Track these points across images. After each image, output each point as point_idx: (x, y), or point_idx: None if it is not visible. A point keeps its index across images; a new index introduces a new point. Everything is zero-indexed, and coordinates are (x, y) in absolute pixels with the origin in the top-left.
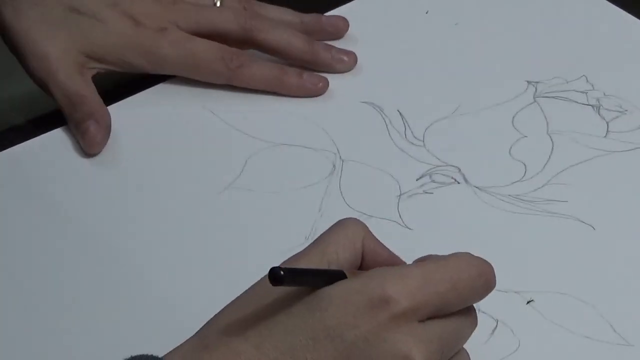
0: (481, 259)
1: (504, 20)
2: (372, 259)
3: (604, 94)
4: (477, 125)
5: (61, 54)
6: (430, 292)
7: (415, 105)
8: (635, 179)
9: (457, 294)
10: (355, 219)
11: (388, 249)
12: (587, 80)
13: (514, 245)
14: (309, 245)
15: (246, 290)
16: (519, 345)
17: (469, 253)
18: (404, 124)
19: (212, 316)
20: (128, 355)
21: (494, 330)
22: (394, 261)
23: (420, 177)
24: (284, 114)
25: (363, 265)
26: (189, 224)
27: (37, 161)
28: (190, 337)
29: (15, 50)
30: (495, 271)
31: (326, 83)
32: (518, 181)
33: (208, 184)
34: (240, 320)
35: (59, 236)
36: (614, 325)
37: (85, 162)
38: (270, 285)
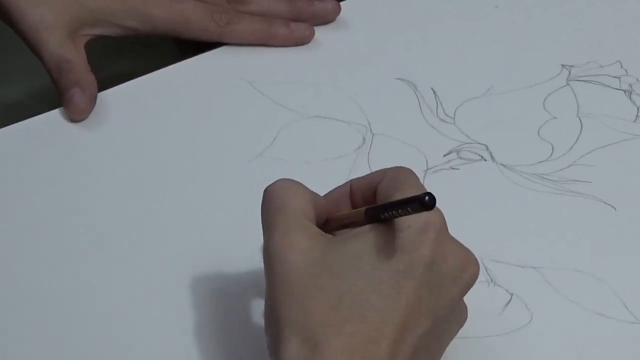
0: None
1: (543, 3)
2: (317, 206)
3: (637, 79)
4: (508, 106)
5: (55, 20)
6: None
7: (449, 84)
8: None
9: None
10: (286, 179)
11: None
12: (622, 66)
13: (535, 222)
14: (270, 218)
15: (283, 274)
16: (531, 319)
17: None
18: (436, 101)
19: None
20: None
21: (507, 303)
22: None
23: (448, 153)
24: (318, 86)
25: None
26: (219, 190)
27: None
28: (284, 345)
29: (7, 16)
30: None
31: (312, 31)
32: (544, 161)
33: (239, 152)
34: (327, 305)
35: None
36: (627, 303)
37: (115, 128)
38: (297, 266)
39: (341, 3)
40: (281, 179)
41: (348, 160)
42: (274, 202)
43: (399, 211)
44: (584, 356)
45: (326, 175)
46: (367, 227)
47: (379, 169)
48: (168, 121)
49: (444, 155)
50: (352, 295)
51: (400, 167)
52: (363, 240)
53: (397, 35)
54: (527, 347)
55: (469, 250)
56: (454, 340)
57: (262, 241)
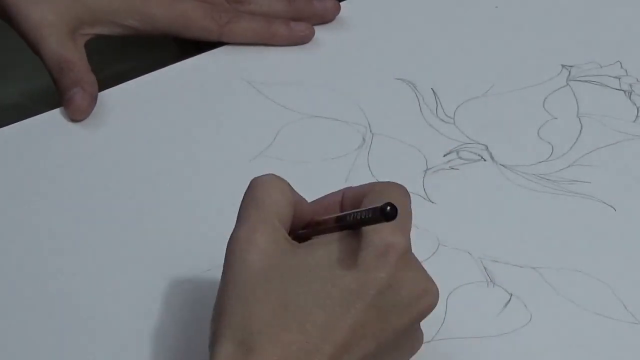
0: (395, 183)
1: (543, 4)
2: (299, 209)
3: (637, 79)
4: (508, 106)
5: (55, 18)
6: (408, 224)
7: (450, 84)
8: None
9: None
10: (274, 175)
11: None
12: (622, 66)
13: (534, 222)
14: (245, 209)
15: (238, 272)
16: (530, 319)
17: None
18: (436, 101)
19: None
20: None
21: (507, 304)
22: (316, 211)
23: (448, 153)
24: (319, 87)
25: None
26: (219, 190)
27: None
28: (220, 345)
29: (7, 15)
30: (512, 246)
31: (312, 30)
32: (544, 161)
33: (239, 152)
34: (269, 311)
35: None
36: (626, 303)
37: (115, 128)
38: (257, 270)
39: (341, 3)
40: (270, 173)
41: (348, 160)
42: (252, 194)
43: (360, 215)
44: (583, 356)
45: (326, 175)
46: (328, 238)
47: (378, 169)
48: (168, 121)
49: (444, 155)
50: (296, 306)
51: (391, 182)
52: (323, 252)
53: (397, 35)
54: (526, 347)
55: (431, 280)
56: (453, 340)
57: None
